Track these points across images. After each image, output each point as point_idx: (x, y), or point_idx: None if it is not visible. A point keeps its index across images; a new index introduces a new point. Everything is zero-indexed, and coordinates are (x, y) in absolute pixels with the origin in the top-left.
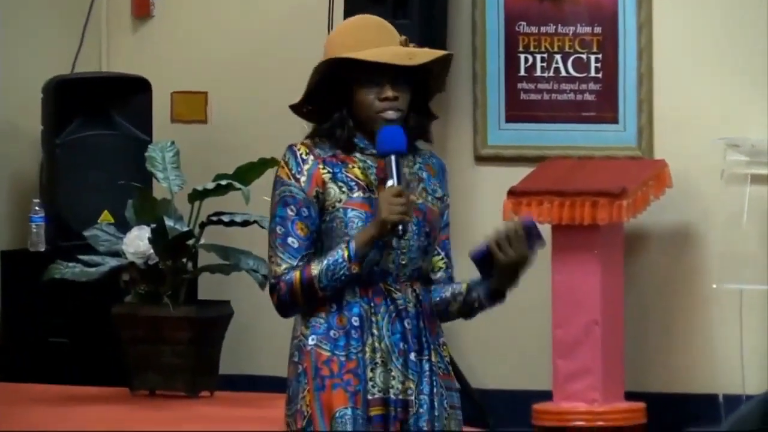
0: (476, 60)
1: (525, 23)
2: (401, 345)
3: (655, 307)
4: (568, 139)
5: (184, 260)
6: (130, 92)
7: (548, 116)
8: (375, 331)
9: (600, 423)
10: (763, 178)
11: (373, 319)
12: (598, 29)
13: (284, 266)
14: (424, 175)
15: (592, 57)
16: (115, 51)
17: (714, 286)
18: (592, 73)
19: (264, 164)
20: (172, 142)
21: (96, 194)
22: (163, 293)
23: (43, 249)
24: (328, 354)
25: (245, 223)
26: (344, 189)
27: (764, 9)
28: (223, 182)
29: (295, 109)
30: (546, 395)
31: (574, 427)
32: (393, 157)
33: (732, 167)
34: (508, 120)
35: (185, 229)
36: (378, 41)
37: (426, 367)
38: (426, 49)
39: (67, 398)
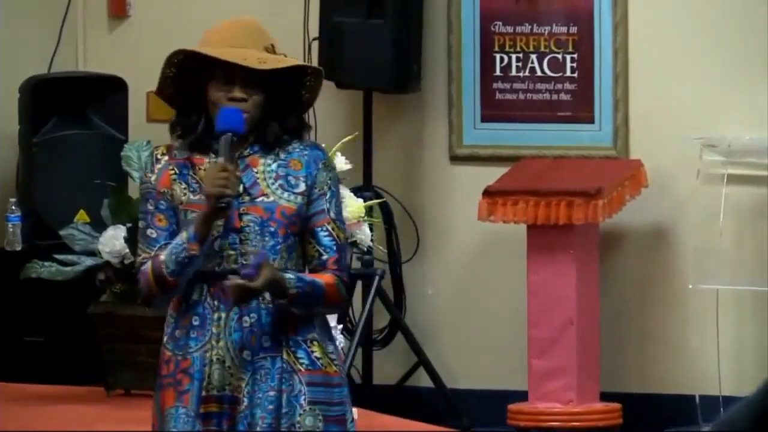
0: (451, 59)
1: (500, 23)
2: (240, 343)
3: (631, 307)
4: (544, 139)
5: None
6: (107, 92)
7: (524, 116)
8: (218, 329)
9: (575, 423)
10: (740, 178)
11: (220, 316)
12: (573, 29)
13: (143, 256)
14: (283, 172)
15: (568, 57)
16: (91, 51)
17: (690, 286)
18: (568, 73)
19: None
20: (148, 142)
21: (72, 193)
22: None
23: (19, 248)
24: (170, 353)
25: None
26: (186, 191)
27: (739, 9)
28: None
29: (164, 99)
30: (522, 395)
31: (550, 427)
32: (227, 137)
33: (708, 167)
34: (484, 119)
35: None
36: (241, 42)
37: (277, 364)
38: (288, 59)
39: (43, 397)
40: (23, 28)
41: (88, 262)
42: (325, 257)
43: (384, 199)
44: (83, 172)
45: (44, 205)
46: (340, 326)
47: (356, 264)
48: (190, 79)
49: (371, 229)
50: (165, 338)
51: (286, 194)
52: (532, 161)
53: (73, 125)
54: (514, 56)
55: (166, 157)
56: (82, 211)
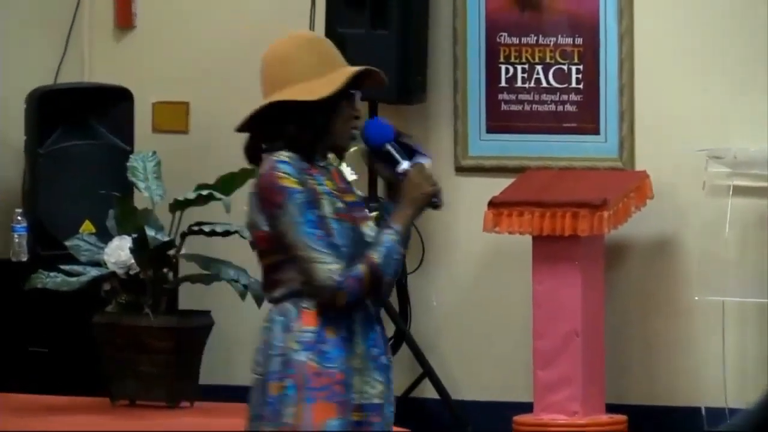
0: (457, 70)
1: (506, 34)
2: (374, 350)
3: (637, 318)
4: (549, 150)
5: (165, 270)
6: (112, 102)
7: (529, 127)
8: (358, 340)
9: None
10: (745, 189)
11: (356, 329)
12: (579, 40)
13: (340, 263)
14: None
15: (573, 68)
16: (97, 61)
17: (696, 297)
18: (573, 84)
19: (245, 174)
20: (154, 152)
21: (78, 204)
22: (144, 303)
23: (25, 259)
24: (318, 366)
25: (226, 233)
26: (331, 201)
27: (746, 19)
28: (204, 192)
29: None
30: (526, 407)
31: None
32: (392, 144)
33: (714, 178)
34: (489, 130)
35: (166, 239)
36: (336, 53)
37: (389, 368)
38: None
39: (48, 408)
40: (29, 38)
41: (94, 272)
42: None
43: None
44: (89, 182)
45: (50, 215)
46: None
47: None
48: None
49: None
50: (303, 353)
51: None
52: (538, 172)
53: (79, 136)
54: (519, 67)
55: (299, 168)
56: (87, 222)
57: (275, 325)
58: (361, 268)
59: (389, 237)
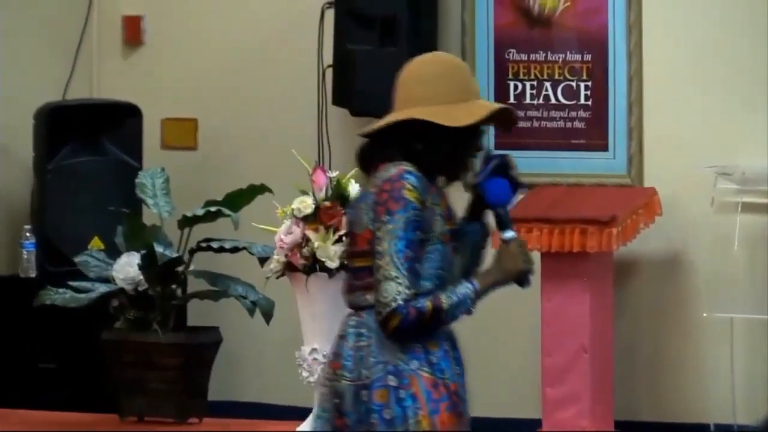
0: None
1: (514, 50)
2: (458, 368)
3: (645, 335)
4: (558, 167)
5: (174, 286)
6: (121, 119)
7: (538, 143)
8: (455, 356)
9: None
10: (754, 206)
11: (453, 344)
12: (587, 56)
13: (412, 291)
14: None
15: (582, 84)
16: (106, 78)
17: (704, 314)
18: (582, 101)
19: (253, 190)
20: (162, 169)
21: (86, 220)
22: (153, 319)
23: (33, 275)
24: (433, 377)
25: (234, 250)
26: (442, 221)
27: (755, 37)
28: (213, 208)
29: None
30: (535, 423)
31: None
32: (504, 209)
33: (722, 195)
34: (498, 147)
35: (175, 255)
36: (474, 82)
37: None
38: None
39: (57, 424)
40: (38, 55)
41: (102, 288)
42: None
43: None
44: (97, 198)
45: (58, 231)
46: None
47: None
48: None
49: None
50: (415, 363)
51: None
52: (547, 189)
53: (88, 152)
54: (528, 84)
55: (426, 183)
56: (96, 238)
57: (370, 332)
58: (427, 304)
59: (466, 291)
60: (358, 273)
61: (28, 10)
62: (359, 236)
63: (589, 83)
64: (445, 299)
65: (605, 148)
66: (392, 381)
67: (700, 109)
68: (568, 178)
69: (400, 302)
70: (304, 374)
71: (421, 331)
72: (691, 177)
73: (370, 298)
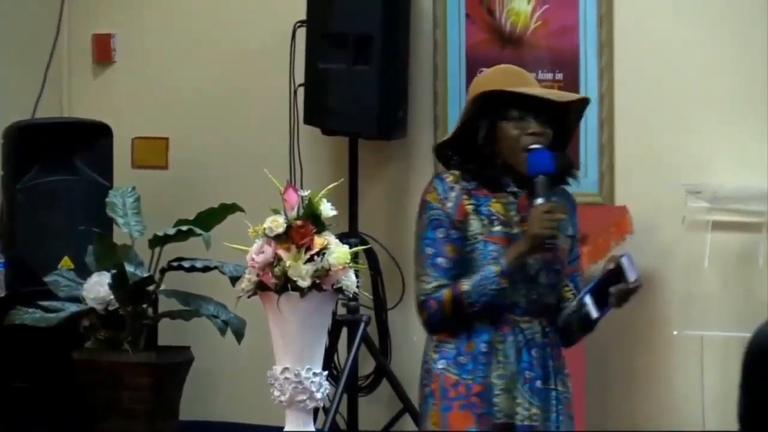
0: (437, 105)
1: (486, 69)
2: (527, 373)
3: (616, 353)
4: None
5: (145, 306)
6: (91, 138)
7: None
8: (501, 359)
9: None
10: (725, 224)
11: (500, 347)
12: (559, 75)
13: (434, 284)
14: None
15: None
16: (76, 96)
17: (675, 332)
18: None
19: (224, 210)
20: (133, 188)
21: (56, 240)
22: (124, 339)
23: (3, 294)
24: (456, 377)
25: (206, 269)
26: (485, 222)
27: (727, 56)
28: (184, 228)
29: (438, 150)
30: None
31: None
32: (542, 178)
33: (693, 214)
34: None
35: (146, 274)
36: (524, 82)
37: (552, 395)
38: (569, 93)
39: None
40: (7, 73)
41: (73, 308)
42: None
43: (370, 246)
44: (67, 218)
45: (28, 251)
46: (325, 372)
47: (341, 310)
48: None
49: (357, 276)
50: (442, 362)
51: (562, 236)
52: None
53: (58, 171)
54: None
55: (458, 186)
56: (66, 258)
57: (426, 336)
58: (444, 293)
59: (489, 268)
60: None
61: None
62: None
63: None
64: (466, 282)
65: (576, 167)
66: (424, 379)
67: (671, 127)
68: None
69: (423, 298)
70: (276, 393)
71: (450, 317)
72: (662, 195)
73: None
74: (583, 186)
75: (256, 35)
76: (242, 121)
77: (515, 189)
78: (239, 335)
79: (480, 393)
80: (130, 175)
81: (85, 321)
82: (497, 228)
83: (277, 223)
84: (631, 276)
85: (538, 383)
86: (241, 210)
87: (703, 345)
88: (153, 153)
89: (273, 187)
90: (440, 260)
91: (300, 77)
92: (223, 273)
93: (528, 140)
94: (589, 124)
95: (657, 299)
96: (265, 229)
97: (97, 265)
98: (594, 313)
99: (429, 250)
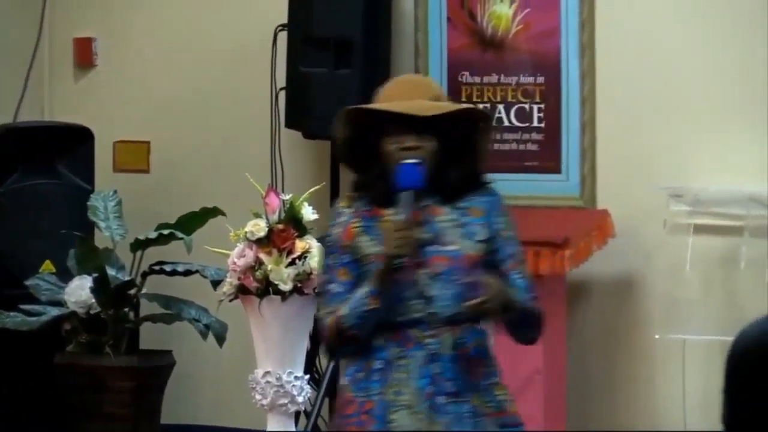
0: None
1: (468, 73)
2: (429, 388)
3: (598, 357)
4: (511, 189)
5: (126, 310)
6: (73, 141)
7: (491, 166)
8: (401, 375)
9: None
10: (706, 228)
11: (402, 363)
12: (540, 79)
13: (326, 310)
14: (466, 219)
15: (535, 107)
16: (58, 100)
17: (657, 336)
18: (535, 123)
19: (206, 213)
20: (115, 192)
21: (38, 243)
22: (105, 343)
23: None
24: (352, 395)
25: (187, 273)
26: (374, 243)
27: (708, 61)
28: (165, 232)
29: (340, 159)
30: None
31: None
32: (405, 194)
33: (675, 217)
34: None
35: (127, 278)
36: (408, 95)
37: (464, 408)
38: (452, 105)
39: None
40: None
41: (54, 312)
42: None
43: None
44: (49, 222)
45: (10, 254)
46: (307, 376)
47: None
48: (366, 136)
49: None
50: (344, 380)
51: (469, 242)
52: None
53: (39, 175)
54: (481, 106)
55: (350, 210)
56: (48, 261)
57: None
58: (328, 319)
59: (361, 291)
60: None
61: None
62: None
63: (542, 105)
64: (343, 307)
65: (558, 171)
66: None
67: (652, 131)
68: (522, 200)
69: (319, 326)
70: (257, 397)
71: (338, 342)
72: (643, 199)
73: None
74: (564, 190)
75: (238, 39)
76: (224, 125)
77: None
78: (220, 339)
79: (371, 410)
80: (111, 179)
81: (66, 325)
82: (380, 248)
83: (258, 227)
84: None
85: (442, 398)
86: (223, 214)
87: (685, 348)
88: (134, 157)
89: (254, 191)
90: (332, 286)
91: (281, 81)
92: (205, 277)
93: (401, 155)
94: (570, 127)
95: (639, 303)
96: (246, 232)
97: (79, 269)
98: None
99: (324, 277)
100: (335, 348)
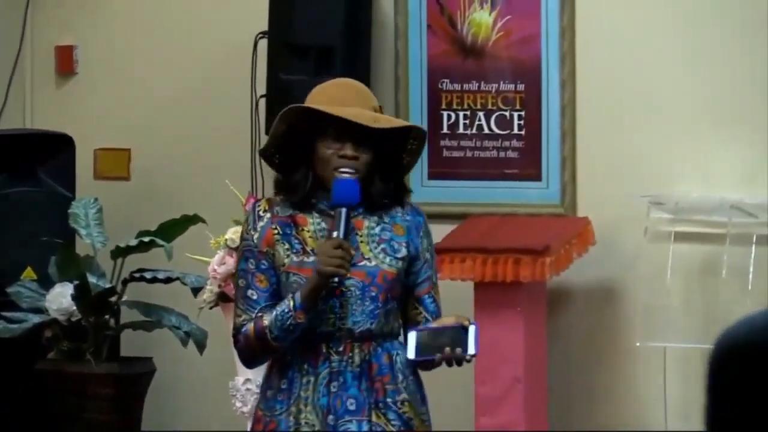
0: (399, 116)
1: (448, 80)
2: (327, 407)
3: (579, 364)
4: (491, 197)
5: (107, 317)
6: (54, 149)
7: (471, 173)
8: (307, 393)
9: None
10: (687, 235)
11: (309, 380)
12: (521, 86)
13: (243, 317)
14: (386, 236)
15: (515, 114)
16: (39, 107)
17: (637, 344)
18: (515, 130)
19: (187, 221)
20: (96, 199)
21: (19, 250)
22: (86, 350)
23: None
24: (261, 413)
25: (168, 280)
26: (289, 252)
27: (690, 67)
28: (146, 239)
29: (265, 157)
30: None
31: None
32: (342, 210)
33: (655, 225)
34: (431, 177)
35: (108, 285)
36: (351, 102)
37: (363, 427)
38: (398, 120)
39: None
40: None
41: (35, 319)
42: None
43: None
44: (30, 229)
45: None
46: None
47: None
48: (295, 136)
49: None
50: (260, 396)
51: (388, 259)
52: (480, 219)
53: (20, 182)
54: (461, 114)
55: (269, 215)
56: (29, 268)
57: None
58: (249, 327)
59: (286, 301)
60: None
61: None
62: None
63: (523, 113)
64: (267, 316)
65: (538, 178)
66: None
67: (633, 138)
68: (502, 208)
69: (233, 332)
70: (238, 404)
71: (259, 353)
72: (624, 206)
73: None
74: (545, 197)
75: (218, 46)
76: (204, 133)
77: (326, 208)
78: (201, 346)
79: (274, 429)
80: (92, 187)
81: (47, 332)
82: (300, 258)
83: (238, 234)
84: (471, 349)
85: (342, 417)
86: (203, 221)
87: (665, 356)
88: (115, 164)
89: (235, 199)
90: (250, 292)
91: (262, 88)
92: (185, 284)
93: (339, 162)
94: (551, 134)
95: (619, 310)
96: (226, 240)
97: (60, 276)
98: (411, 354)
99: (241, 282)
100: (253, 357)
